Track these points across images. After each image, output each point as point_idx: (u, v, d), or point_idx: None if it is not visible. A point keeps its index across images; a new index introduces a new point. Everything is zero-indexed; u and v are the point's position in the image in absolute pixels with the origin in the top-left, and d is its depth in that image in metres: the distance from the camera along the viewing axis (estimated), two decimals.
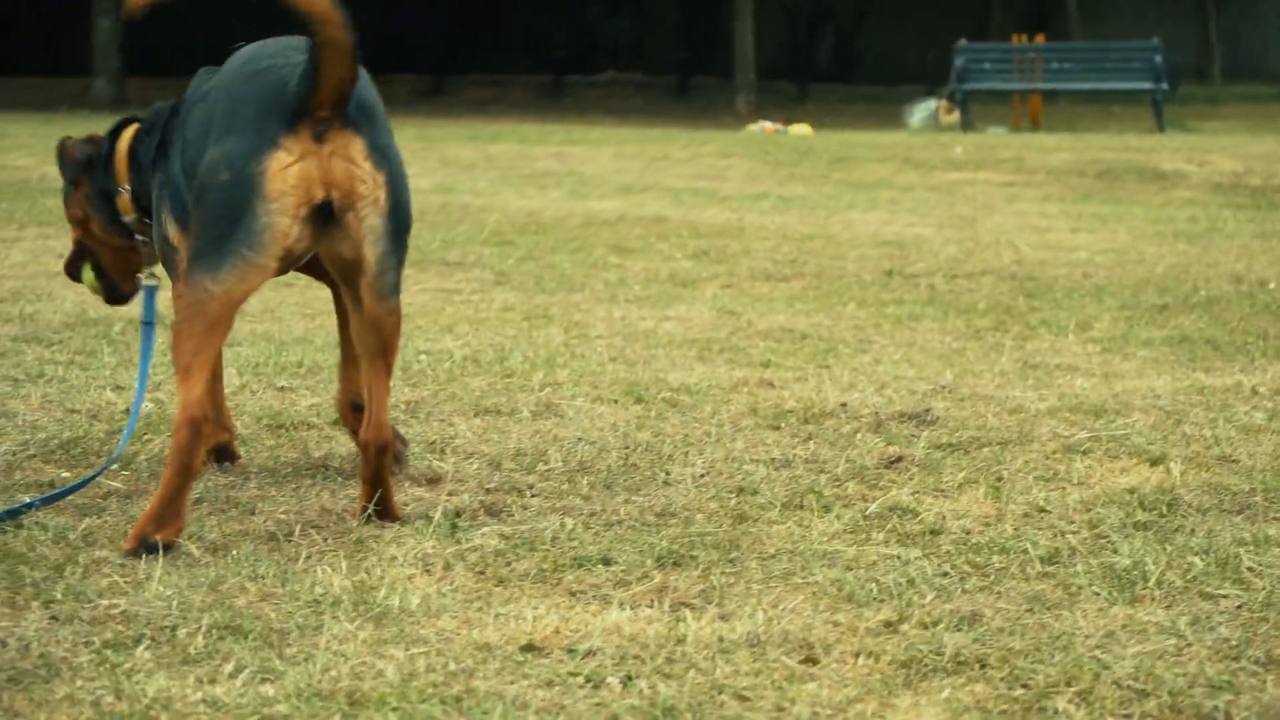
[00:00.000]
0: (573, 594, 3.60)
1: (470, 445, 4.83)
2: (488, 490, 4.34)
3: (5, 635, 3.22)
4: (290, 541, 3.90)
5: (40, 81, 37.41)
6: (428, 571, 3.70)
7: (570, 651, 3.25)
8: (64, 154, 4.58)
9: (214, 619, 3.34)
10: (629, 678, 3.13)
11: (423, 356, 6.14)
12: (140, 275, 4.62)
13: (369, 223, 3.88)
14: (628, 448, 4.84)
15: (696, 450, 4.81)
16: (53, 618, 3.34)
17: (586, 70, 38.82)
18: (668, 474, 4.57)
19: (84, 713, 2.90)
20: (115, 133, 4.53)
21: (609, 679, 3.13)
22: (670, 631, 3.33)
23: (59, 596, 3.45)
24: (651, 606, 3.52)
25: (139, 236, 4.50)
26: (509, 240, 10.07)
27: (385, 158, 3.90)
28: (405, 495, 4.29)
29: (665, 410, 5.35)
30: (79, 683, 3.02)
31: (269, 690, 3.02)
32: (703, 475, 4.54)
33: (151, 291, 4.57)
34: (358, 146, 3.85)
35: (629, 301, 7.80)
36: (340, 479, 4.44)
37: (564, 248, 9.74)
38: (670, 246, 9.95)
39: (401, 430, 4.93)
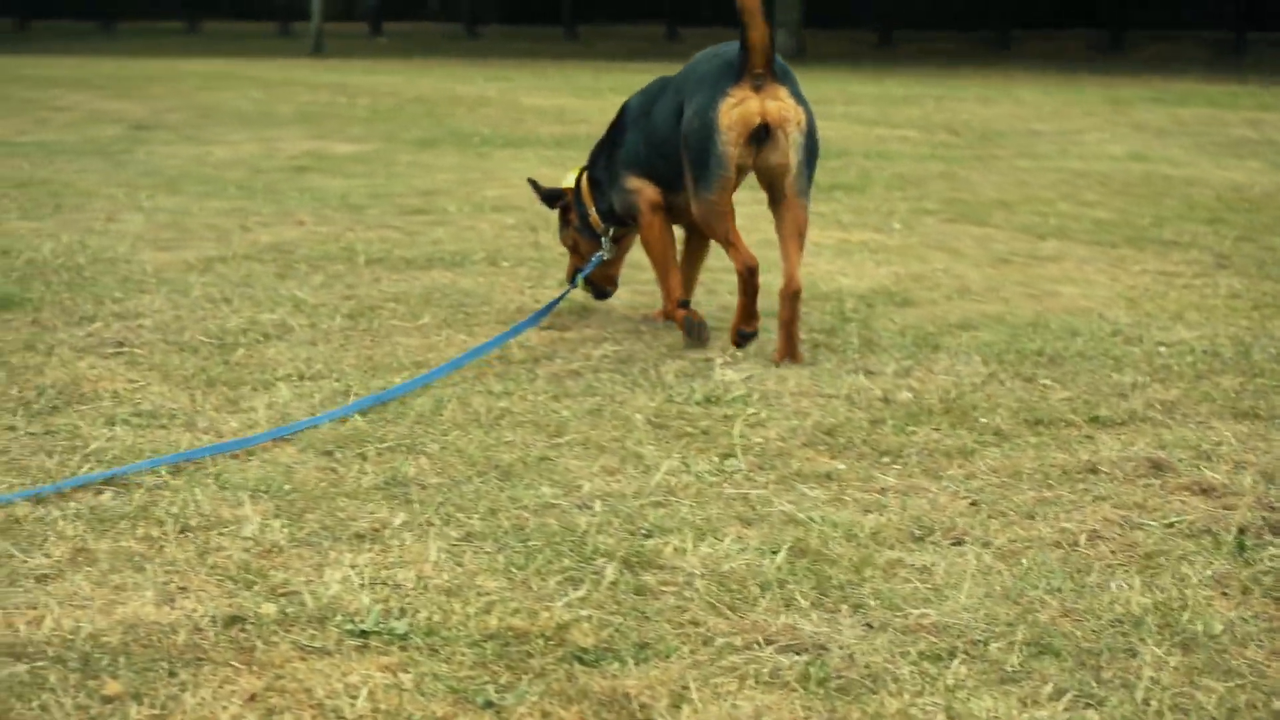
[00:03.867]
0: None
1: (1236, 454, 4.71)
2: (1269, 506, 4.23)
3: (826, 641, 3.31)
4: (1077, 551, 3.89)
5: (720, 32, 38.34)
6: (1224, 594, 3.63)
7: None
8: (542, 191, 6.67)
9: (1023, 635, 3.35)
10: None
11: (1162, 349, 6.04)
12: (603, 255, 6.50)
13: (793, 137, 5.68)
14: None
15: None
16: (867, 625, 3.41)
17: (1266, 27, 37.54)
18: None
19: None
20: (578, 180, 6.54)
21: None
22: None
23: (870, 602, 3.52)
24: None
25: (604, 238, 6.47)
26: (1220, 217, 9.80)
27: (802, 101, 5.74)
28: (1182, 504, 4.23)
29: None
30: (906, 697, 3.07)
31: (1094, 717, 3.01)
32: None
33: (599, 258, 6.49)
34: (783, 91, 5.69)
35: None
36: (1112, 484, 4.41)
37: None
38: None
39: (1161, 433, 4.88)
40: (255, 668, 3.16)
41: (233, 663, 3.18)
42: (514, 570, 3.68)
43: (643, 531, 3.94)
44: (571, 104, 18.56)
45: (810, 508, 4.16)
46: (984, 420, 5.02)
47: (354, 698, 3.02)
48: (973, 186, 11.27)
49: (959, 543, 3.92)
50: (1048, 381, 5.51)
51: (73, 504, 4.13)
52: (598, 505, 4.14)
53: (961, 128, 16.22)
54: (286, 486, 4.27)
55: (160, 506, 4.10)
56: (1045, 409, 5.15)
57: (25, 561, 3.73)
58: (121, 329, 6.19)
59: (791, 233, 5.76)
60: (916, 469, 4.54)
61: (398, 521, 4.00)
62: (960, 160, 13.09)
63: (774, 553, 3.80)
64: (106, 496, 4.20)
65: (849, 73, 27.68)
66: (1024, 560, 3.80)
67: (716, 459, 4.57)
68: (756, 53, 5.63)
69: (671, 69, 6.55)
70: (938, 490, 4.35)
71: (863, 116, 17.73)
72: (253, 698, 3.03)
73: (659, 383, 5.41)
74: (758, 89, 5.63)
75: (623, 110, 6.36)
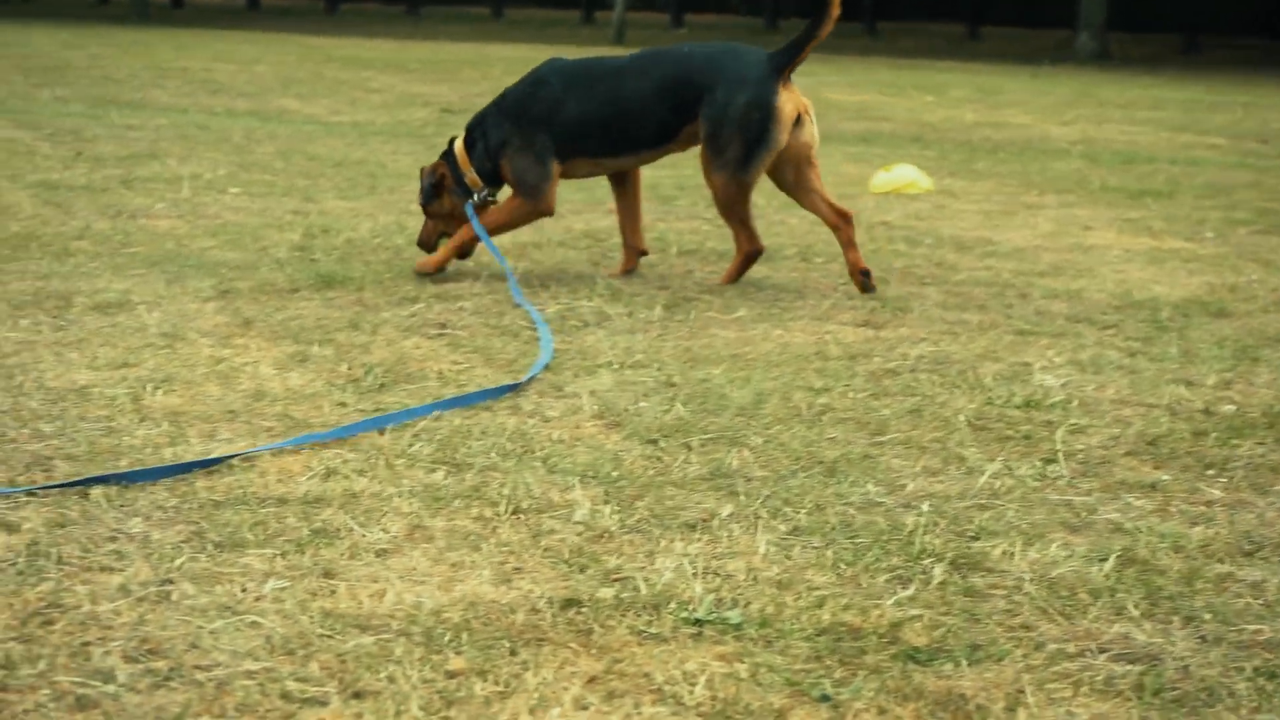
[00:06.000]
0: None
1: None
2: None
3: (1159, 652, 3.30)
4: None
5: (1020, 32, 37.98)
6: None
7: None
8: (424, 179, 7.25)
9: None
10: None
11: None
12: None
13: (814, 119, 6.94)
14: None
15: None
16: (1200, 638, 3.39)
17: None
18: None
19: None
20: (450, 150, 7.22)
21: None
22: None
23: (1203, 615, 3.49)
24: None
25: (484, 193, 7.21)
26: None
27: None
28: None
29: None
30: (1244, 712, 3.05)
31: None
32: None
33: (484, 196, 7.22)
34: (794, 86, 6.84)
35: None
36: None
37: None
38: None
39: None
40: (594, 650, 3.23)
41: (571, 644, 3.26)
42: (842, 566, 3.71)
43: (969, 534, 3.95)
44: (874, 100, 18.52)
45: (1136, 517, 4.14)
46: None
47: (692, 685, 3.08)
48: None
49: None
50: None
51: (406, 482, 4.25)
52: (924, 505, 4.15)
53: (1272, 136, 15.89)
54: (614, 473, 4.35)
55: (492, 488, 4.21)
56: None
57: (364, 536, 3.85)
58: (443, 311, 6.34)
59: (819, 185, 7.01)
60: (1243, 483, 4.48)
61: (725, 512, 4.05)
62: (1271, 170, 12.85)
63: (1102, 560, 3.79)
64: (439, 475, 4.31)
65: (1153, 77, 27.25)
66: None
67: (1039, 464, 4.56)
68: (806, 50, 6.77)
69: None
70: (1265, 505, 4.29)
71: (1169, 122, 17.46)
72: (593, 680, 3.10)
73: (977, 385, 5.41)
74: (785, 84, 6.78)
75: (545, 83, 7.05)
